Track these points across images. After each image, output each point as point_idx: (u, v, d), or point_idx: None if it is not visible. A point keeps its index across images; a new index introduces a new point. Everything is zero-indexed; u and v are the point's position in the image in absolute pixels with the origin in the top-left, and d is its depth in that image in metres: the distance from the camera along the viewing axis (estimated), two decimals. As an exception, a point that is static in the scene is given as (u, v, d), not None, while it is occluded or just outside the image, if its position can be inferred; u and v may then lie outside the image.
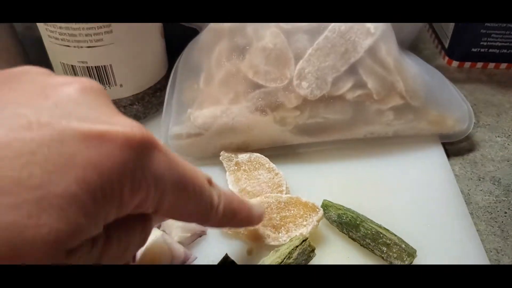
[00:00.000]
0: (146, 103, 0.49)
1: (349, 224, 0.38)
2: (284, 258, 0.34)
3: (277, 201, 0.39)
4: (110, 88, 0.45)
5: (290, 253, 0.34)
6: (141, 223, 0.24)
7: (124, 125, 0.20)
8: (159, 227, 0.38)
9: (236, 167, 0.43)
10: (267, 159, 0.44)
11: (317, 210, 0.39)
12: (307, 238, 0.35)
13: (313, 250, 0.35)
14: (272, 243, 0.37)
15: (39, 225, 0.16)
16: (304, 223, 0.38)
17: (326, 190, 0.42)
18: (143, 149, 0.20)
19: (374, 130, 0.47)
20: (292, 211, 0.38)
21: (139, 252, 0.35)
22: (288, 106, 0.43)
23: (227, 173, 0.43)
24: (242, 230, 0.37)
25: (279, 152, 0.46)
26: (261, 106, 0.43)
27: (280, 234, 0.37)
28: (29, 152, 0.16)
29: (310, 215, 0.38)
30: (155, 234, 0.35)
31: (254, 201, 0.39)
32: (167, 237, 0.35)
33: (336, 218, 0.39)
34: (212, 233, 0.39)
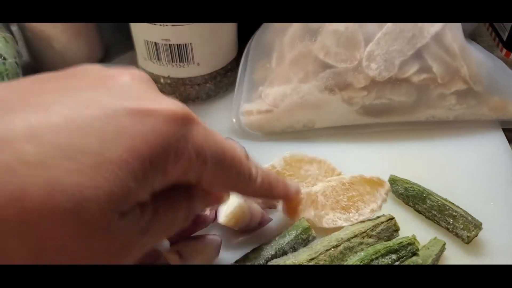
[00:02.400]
0: (218, 82, 0.52)
1: (415, 197, 0.40)
2: (368, 229, 0.36)
3: (341, 182, 0.40)
4: (188, 65, 0.48)
5: (374, 226, 0.36)
6: (186, 200, 0.27)
7: (168, 104, 0.23)
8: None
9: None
10: (300, 152, 0.44)
11: (383, 183, 0.40)
12: (393, 218, 0.37)
13: (397, 230, 0.37)
14: (345, 224, 0.38)
15: (97, 187, 0.19)
16: (373, 198, 0.40)
17: (388, 168, 0.44)
18: (185, 123, 0.23)
19: (436, 114, 0.49)
20: (358, 190, 0.40)
21: (223, 210, 0.38)
22: (356, 86, 0.46)
23: None
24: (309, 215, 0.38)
25: (342, 131, 0.49)
26: (330, 85, 0.46)
27: (351, 214, 0.39)
28: (88, 125, 0.19)
29: (377, 190, 0.40)
30: (236, 200, 0.38)
31: (319, 187, 0.40)
32: (247, 199, 0.38)
33: (403, 191, 0.41)
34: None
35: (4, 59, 0.48)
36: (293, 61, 0.47)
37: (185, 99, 0.52)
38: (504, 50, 0.63)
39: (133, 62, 0.61)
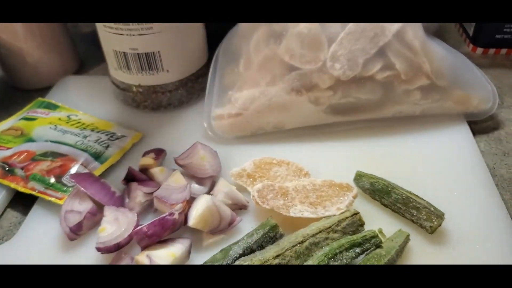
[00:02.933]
0: (190, 88, 0.53)
1: (381, 191, 0.41)
2: (333, 225, 0.37)
3: (312, 183, 0.41)
4: (158, 73, 0.49)
5: (339, 221, 0.37)
6: None
7: None
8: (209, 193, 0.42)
9: (251, 179, 0.44)
10: (270, 156, 0.45)
11: (352, 189, 0.41)
12: (358, 213, 0.38)
13: (362, 225, 0.38)
14: (311, 215, 0.39)
15: None
16: (340, 200, 0.40)
17: (358, 165, 0.45)
18: None
19: (402, 109, 0.50)
20: (327, 192, 0.41)
21: (192, 213, 0.39)
22: (322, 86, 0.47)
23: (250, 189, 0.43)
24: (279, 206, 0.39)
25: (311, 131, 0.50)
26: (297, 86, 0.47)
27: (317, 209, 0.40)
28: None
29: (345, 194, 0.41)
30: (205, 198, 0.39)
31: (291, 184, 0.41)
32: (216, 200, 0.39)
33: (369, 186, 0.42)
34: (251, 207, 0.42)
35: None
36: (260, 65, 0.48)
37: (157, 106, 0.52)
38: (471, 45, 0.64)
39: (107, 73, 0.62)
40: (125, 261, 0.37)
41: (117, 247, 0.37)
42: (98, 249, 0.37)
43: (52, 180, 0.44)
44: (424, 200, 0.40)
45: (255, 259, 0.35)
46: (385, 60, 0.47)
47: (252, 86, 0.48)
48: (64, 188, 0.43)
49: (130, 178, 0.43)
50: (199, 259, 0.38)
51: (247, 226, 0.40)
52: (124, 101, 0.54)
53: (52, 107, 0.54)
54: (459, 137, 0.49)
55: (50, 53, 0.60)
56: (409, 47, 0.47)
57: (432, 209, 0.39)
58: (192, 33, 0.50)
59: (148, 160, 0.45)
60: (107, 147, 0.48)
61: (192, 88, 0.53)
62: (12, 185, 0.44)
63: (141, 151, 0.48)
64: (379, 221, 0.40)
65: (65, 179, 0.44)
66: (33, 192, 0.43)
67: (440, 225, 0.38)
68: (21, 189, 0.44)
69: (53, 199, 0.42)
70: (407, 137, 0.49)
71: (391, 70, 0.47)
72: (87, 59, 0.67)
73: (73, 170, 0.44)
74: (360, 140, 0.49)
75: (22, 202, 0.45)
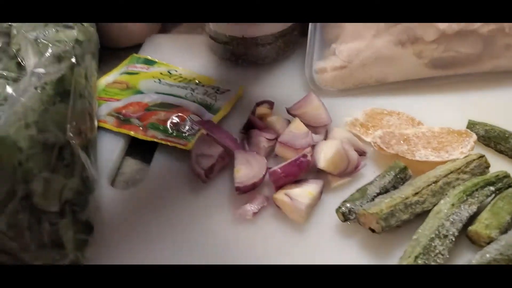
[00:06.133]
0: (286, 40, 0.54)
1: (497, 137, 0.42)
2: (462, 166, 0.38)
3: (430, 130, 0.43)
4: (261, 24, 0.50)
5: (467, 163, 0.38)
6: None
7: None
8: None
9: (364, 128, 0.45)
10: (379, 107, 0.47)
11: (471, 134, 0.42)
12: (483, 155, 0.39)
13: (488, 167, 0.39)
14: (436, 159, 0.40)
15: None
16: (461, 145, 0.41)
17: (463, 115, 0.46)
18: None
19: (501, 64, 0.51)
20: (447, 138, 0.42)
21: (321, 156, 0.40)
22: (427, 39, 0.48)
23: (364, 137, 0.44)
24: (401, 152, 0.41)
25: (411, 85, 0.51)
26: (403, 39, 0.48)
27: (440, 153, 0.41)
28: None
29: (464, 139, 0.42)
30: (333, 142, 0.41)
31: (410, 131, 0.43)
32: (345, 145, 0.41)
33: (483, 133, 0.43)
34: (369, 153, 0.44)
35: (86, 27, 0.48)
36: (364, 18, 0.49)
37: (256, 59, 0.53)
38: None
39: (189, 30, 0.63)
40: (260, 200, 0.39)
41: (253, 187, 0.39)
42: (237, 189, 0.39)
43: (171, 128, 0.45)
44: (543, 145, 0.41)
45: (395, 196, 0.36)
46: (490, 13, 0.47)
47: (356, 39, 0.49)
48: (184, 135, 0.45)
49: (249, 126, 0.45)
50: (330, 199, 0.40)
51: (369, 171, 0.42)
52: (223, 55, 0.55)
53: (150, 62, 0.55)
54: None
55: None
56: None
57: (553, 153, 0.40)
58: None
59: (264, 110, 0.46)
60: (215, 100, 0.49)
61: (289, 40, 0.54)
62: (132, 133, 0.46)
63: (245, 104, 0.49)
64: (498, 166, 0.41)
65: (183, 128, 0.45)
66: (156, 139, 0.44)
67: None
68: (141, 137, 0.45)
69: (177, 145, 0.44)
70: (505, 90, 0.50)
71: (495, 24, 0.48)
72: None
73: (190, 120, 0.46)
74: (462, 93, 0.50)
75: (139, 150, 0.47)
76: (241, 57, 0.54)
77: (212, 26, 0.53)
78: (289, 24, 0.53)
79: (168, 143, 0.44)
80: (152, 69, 0.54)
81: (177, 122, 0.46)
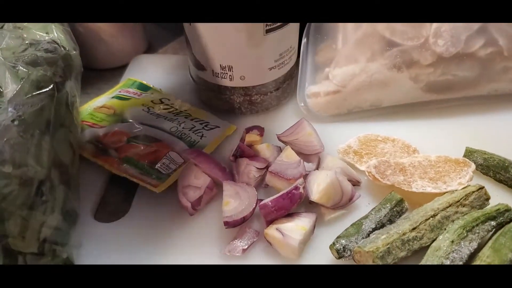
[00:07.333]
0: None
1: (496, 166, 0.41)
2: (461, 199, 0.36)
3: (427, 159, 0.41)
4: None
5: (466, 195, 0.37)
6: None
7: None
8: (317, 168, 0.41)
9: (358, 156, 0.44)
10: (373, 133, 0.45)
11: (469, 164, 0.40)
12: (483, 187, 0.38)
13: (487, 199, 0.38)
14: (434, 191, 0.39)
15: None
16: (459, 175, 0.40)
17: (460, 142, 0.45)
18: None
19: (498, 87, 0.49)
20: (444, 167, 0.40)
21: (313, 188, 0.38)
22: (423, 63, 0.47)
23: (358, 166, 0.43)
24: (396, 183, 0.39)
25: (406, 109, 0.49)
26: (398, 63, 0.46)
27: (438, 184, 0.39)
28: None
29: (462, 169, 0.40)
30: (326, 173, 0.39)
31: (406, 160, 0.41)
32: (339, 175, 0.39)
33: (482, 162, 0.42)
34: (363, 183, 0.42)
35: (68, 51, 0.47)
36: (358, 41, 0.47)
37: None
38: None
39: (175, 51, 0.61)
40: (250, 235, 0.37)
41: (243, 221, 0.37)
42: (226, 223, 0.37)
43: (146, 165, 0.43)
44: (544, 175, 0.39)
45: (392, 231, 0.34)
46: (488, 36, 0.46)
47: (349, 63, 0.48)
48: (157, 176, 0.42)
49: (239, 154, 0.43)
50: (324, 233, 0.38)
51: (364, 202, 0.40)
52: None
53: (144, 88, 0.53)
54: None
55: (124, 30, 0.60)
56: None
57: (555, 184, 0.38)
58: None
59: (254, 137, 0.44)
60: (201, 136, 0.47)
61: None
62: (106, 166, 0.43)
63: (234, 139, 0.47)
64: (498, 197, 0.40)
65: (159, 166, 0.43)
66: (127, 176, 0.42)
67: None
68: (115, 171, 0.43)
69: (148, 186, 0.41)
70: (503, 114, 0.49)
71: (494, 47, 0.46)
72: (155, 39, 0.66)
73: (168, 158, 0.43)
74: (458, 118, 0.49)
75: (124, 179, 0.44)
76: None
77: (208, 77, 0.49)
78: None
79: (140, 182, 0.42)
80: (144, 95, 0.52)
81: (154, 159, 0.43)
